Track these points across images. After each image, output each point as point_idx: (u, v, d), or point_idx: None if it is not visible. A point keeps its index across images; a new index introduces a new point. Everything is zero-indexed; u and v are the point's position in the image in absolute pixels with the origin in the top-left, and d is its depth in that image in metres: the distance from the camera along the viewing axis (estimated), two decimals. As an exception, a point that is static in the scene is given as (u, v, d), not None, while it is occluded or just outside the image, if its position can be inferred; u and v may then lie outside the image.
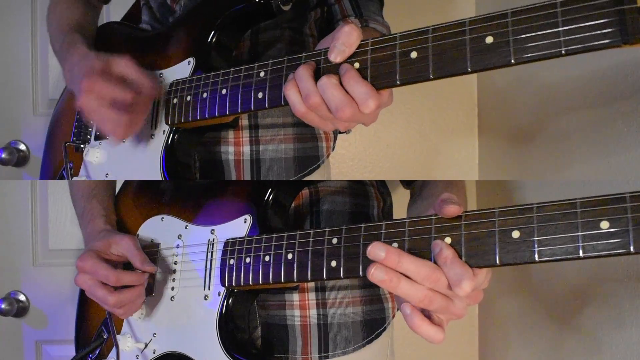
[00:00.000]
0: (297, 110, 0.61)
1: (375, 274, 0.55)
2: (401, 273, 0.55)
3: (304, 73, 0.60)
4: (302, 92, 0.60)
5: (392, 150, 1.48)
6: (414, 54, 0.56)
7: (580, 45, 0.48)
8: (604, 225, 0.48)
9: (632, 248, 0.47)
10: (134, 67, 0.74)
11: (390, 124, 1.47)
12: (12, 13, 1.38)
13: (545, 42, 0.49)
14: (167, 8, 0.91)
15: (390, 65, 0.57)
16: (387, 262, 0.55)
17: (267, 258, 0.69)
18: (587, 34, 0.47)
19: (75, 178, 0.88)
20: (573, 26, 0.48)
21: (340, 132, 0.97)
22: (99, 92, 0.72)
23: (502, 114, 1.37)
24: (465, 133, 1.48)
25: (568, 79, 1.03)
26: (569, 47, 0.48)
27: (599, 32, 0.47)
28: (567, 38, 0.48)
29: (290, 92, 0.61)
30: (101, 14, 1.04)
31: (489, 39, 0.52)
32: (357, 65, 0.59)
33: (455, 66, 0.54)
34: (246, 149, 0.86)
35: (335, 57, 0.59)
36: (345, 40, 0.58)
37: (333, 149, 0.92)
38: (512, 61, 0.51)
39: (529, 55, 0.50)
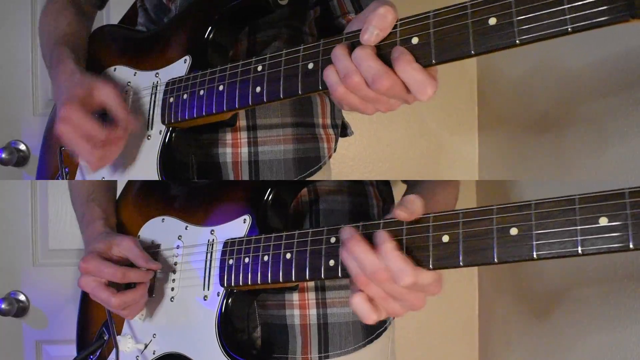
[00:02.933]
0: (335, 91, 0.58)
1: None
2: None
3: (340, 52, 0.57)
4: (340, 72, 0.57)
5: (392, 150, 1.48)
6: (415, 40, 0.54)
7: (587, 22, 0.46)
8: (603, 221, 0.47)
9: (631, 244, 0.46)
10: (115, 98, 0.74)
11: (390, 123, 1.47)
12: (12, 13, 1.38)
13: (550, 20, 0.48)
14: (162, 8, 0.90)
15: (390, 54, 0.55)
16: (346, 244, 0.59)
17: (265, 258, 0.69)
18: (594, 10, 0.46)
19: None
20: (579, 3, 0.46)
21: (344, 135, 0.96)
22: (76, 124, 0.72)
23: (502, 113, 1.37)
24: (465, 133, 1.48)
25: (569, 77, 1.02)
26: (576, 25, 0.47)
27: (606, 7, 0.45)
28: (573, 15, 0.47)
29: (329, 73, 0.58)
30: (100, 18, 1.03)
31: (492, 21, 0.50)
32: None
33: (458, 50, 0.52)
34: (244, 150, 0.84)
35: (368, 39, 0.56)
36: (378, 23, 0.55)
37: (335, 150, 0.91)
38: (517, 41, 0.49)
39: (534, 34, 0.48)
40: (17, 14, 1.38)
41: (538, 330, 1.12)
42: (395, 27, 0.55)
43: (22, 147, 1.39)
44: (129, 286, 0.78)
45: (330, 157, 0.90)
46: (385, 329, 0.87)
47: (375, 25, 0.55)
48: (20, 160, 1.38)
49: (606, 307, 0.89)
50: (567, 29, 0.47)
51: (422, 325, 1.46)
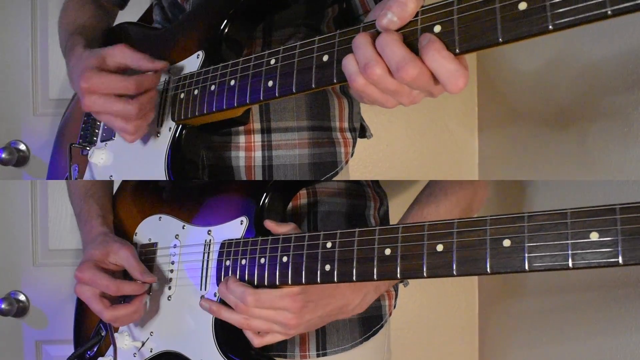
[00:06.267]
0: (354, 82, 0.53)
1: (202, 304, 0.73)
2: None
3: (361, 40, 0.53)
4: (359, 61, 0.52)
5: (392, 150, 1.48)
6: (437, 28, 0.51)
7: (630, 4, 0.42)
8: (594, 236, 0.48)
9: (620, 260, 0.47)
10: (129, 52, 0.72)
11: (390, 123, 1.47)
12: (12, 13, 1.38)
13: (587, 3, 0.43)
14: (177, 6, 0.89)
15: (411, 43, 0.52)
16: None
17: (262, 260, 0.69)
18: None
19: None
20: None
21: (362, 137, 0.94)
22: (100, 89, 0.70)
23: (502, 113, 1.36)
24: (465, 133, 1.47)
25: (568, 76, 1.02)
26: (616, 7, 0.42)
27: None
28: None
29: (348, 62, 0.54)
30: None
31: (522, 5, 0.46)
32: None
33: (484, 38, 0.48)
34: (258, 154, 0.82)
35: (385, 25, 0.52)
36: (397, 10, 0.51)
37: (352, 154, 0.88)
38: (550, 27, 0.45)
39: (569, 19, 0.44)
40: (17, 14, 1.38)
41: (538, 330, 1.12)
42: (416, 14, 0.52)
43: (22, 147, 1.39)
44: (125, 295, 0.78)
45: (347, 162, 0.87)
46: (382, 326, 0.87)
47: (394, 12, 0.51)
48: (20, 160, 1.39)
49: (607, 309, 0.89)
50: (607, 11, 0.43)
51: (422, 326, 1.46)
